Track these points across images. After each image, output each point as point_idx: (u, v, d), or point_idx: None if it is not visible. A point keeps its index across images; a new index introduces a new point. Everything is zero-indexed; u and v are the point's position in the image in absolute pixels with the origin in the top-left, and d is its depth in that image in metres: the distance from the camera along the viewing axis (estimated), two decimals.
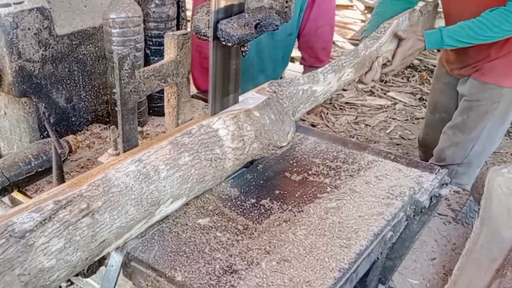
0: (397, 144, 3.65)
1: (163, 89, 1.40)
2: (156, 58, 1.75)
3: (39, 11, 1.46)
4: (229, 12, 1.20)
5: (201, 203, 1.27)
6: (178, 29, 1.87)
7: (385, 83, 4.54)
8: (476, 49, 2.07)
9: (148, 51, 1.76)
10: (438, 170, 1.43)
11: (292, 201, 1.29)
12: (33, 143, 1.53)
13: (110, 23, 1.53)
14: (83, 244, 0.97)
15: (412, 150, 3.55)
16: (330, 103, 3.91)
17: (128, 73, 1.19)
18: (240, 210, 1.26)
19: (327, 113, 3.80)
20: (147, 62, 1.74)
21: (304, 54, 3.01)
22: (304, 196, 1.31)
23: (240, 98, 1.42)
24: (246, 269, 1.06)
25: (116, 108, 1.25)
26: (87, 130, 1.75)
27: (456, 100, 2.30)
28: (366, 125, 3.86)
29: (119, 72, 1.17)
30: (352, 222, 1.21)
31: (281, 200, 1.30)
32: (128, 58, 1.17)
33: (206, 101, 1.94)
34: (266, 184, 1.37)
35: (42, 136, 1.60)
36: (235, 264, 1.07)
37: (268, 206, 1.27)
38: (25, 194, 1.42)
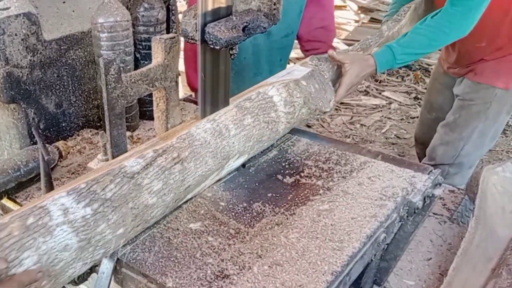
0: (393, 144, 3.65)
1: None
2: (146, 62, 1.73)
3: (26, 17, 1.45)
4: (216, 15, 1.19)
5: (193, 207, 1.26)
6: (168, 32, 1.86)
7: (379, 82, 4.53)
8: (472, 49, 2.06)
9: (138, 55, 1.74)
10: (431, 171, 1.42)
11: (284, 204, 1.28)
12: (23, 149, 1.51)
13: (99, 27, 1.51)
14: (175, 187, 1.15)
15: (408, 149, 3.55)
16: None
17: (115, 77, 1.19)
18: (232, 213, 1.24)
19: None
20: (137, 66, 1.72)
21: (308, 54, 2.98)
22: (297, 199, 1.30)
23: (286, 70, 1.62)
24: (238, 273, 1.05)
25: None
26: (78, 135, 1.74)
27: (452, 101, 2.30)
28: (362, 125, 3.85)
29: (105, 77, 1.16)
30: (345, 224, 1.19)
31: (273, 203, 1.28)
32: (114, 63, 1.17)
33: (197, 103, 1.93)
34: (258, 187, 1.35)
35: (32, 142, 1.58)
36: (226, 269, 1.06)
37: (260, 209, 1.26)
38: (15, 201, 1.40)
